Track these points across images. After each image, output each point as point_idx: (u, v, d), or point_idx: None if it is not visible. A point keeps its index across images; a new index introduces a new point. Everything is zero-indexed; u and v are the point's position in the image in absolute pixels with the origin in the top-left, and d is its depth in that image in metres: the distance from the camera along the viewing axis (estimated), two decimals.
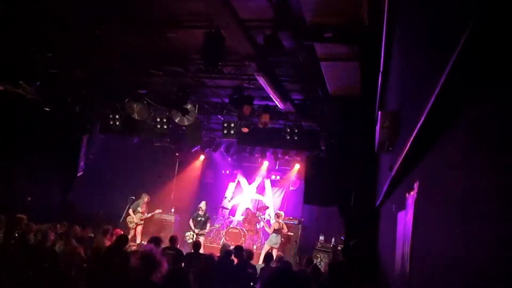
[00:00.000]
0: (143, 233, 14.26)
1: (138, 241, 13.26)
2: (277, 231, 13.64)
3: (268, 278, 2.23)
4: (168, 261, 7.21)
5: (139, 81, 10.52)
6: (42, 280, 6.16)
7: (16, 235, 8.25)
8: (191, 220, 14.41)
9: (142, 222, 14.20)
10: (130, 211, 14.15)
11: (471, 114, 1.48)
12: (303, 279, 2.21)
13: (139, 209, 14.17)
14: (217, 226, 15.29)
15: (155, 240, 8.74)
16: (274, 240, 13.51)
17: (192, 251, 9.22)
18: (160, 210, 14.82)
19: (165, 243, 9.16)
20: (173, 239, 9.05)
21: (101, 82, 11.04)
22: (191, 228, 14.22)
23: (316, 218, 14.50)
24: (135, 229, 14.04)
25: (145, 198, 14.46)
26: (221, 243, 14.21)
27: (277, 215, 14.28)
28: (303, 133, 12.18)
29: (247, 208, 16.62)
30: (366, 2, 5.24)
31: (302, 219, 15.03)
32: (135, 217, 14.05)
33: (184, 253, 8.85)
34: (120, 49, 8.75)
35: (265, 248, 13.31)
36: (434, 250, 2.05)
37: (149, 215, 14.40)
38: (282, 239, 13.80)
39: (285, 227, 13.94)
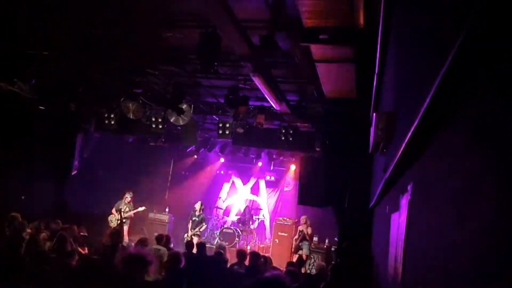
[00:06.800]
0: (132, 233, 14.11)
1: (126, 241, 13.16)
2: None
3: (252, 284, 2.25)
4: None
5: (134, 80, 10.50)
6: (33, 279, 6.13)
7: (8, 233, 8.21)
8: (189, 222, 14.45)
9: (125, 221, 13.90)
10: (113, 210, 13.97)
11: (466, 115, 1.49)
12: (281, 283, 2.23)
13: (120, 207, 13.96)
14: (204, 225, 15.04)
15: (142, 242, 8.74)
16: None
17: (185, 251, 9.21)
18: (144, 208, 14.40)
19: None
20: (158, 239, 9.02)
21: (96, 80, 11.01)
22: (187, 230, 14.28)
23: (310, 218, 14.47)
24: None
25: (128, 196, 14.08)
26: (215, 243, 14.22)
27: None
28: (298, 134, 12.20)
29: (246, 206, 16.62)
30: (362, 4, 5.26)
31: (296, 220, 15.03)
32: (116, 216, 13.83)
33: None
34: (116, 48, 8.73)
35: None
36: (427, 252, 2.06)
37: (132, 212, 13.99)
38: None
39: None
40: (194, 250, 9.34)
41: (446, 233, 1.68)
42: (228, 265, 8.53)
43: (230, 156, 17.66)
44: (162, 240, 8.96)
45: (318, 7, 5.58)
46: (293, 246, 13.55)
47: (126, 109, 11.42)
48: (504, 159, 1.09)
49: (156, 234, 14.42)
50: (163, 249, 8.41)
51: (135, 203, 14.31)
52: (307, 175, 11.40)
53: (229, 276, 7.81)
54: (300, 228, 13.70)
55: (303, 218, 13.81)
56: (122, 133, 14.21)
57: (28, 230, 9.04)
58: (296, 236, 13.64)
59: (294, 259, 12.94)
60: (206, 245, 9.45)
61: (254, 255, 8.36)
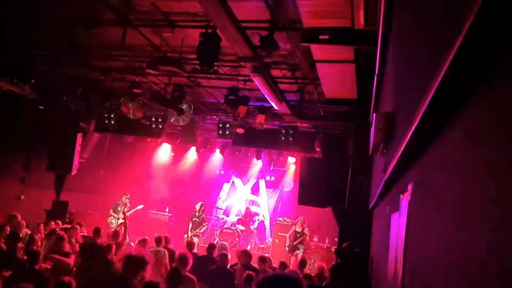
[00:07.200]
0: (132, 233, 14.07)
1: (127, 241, 13.14)
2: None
3: (263, 282, 2.23)
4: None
5: (135, 80, 10.50)
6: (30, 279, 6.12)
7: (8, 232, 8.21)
8: (190, 223, 14.44)
9: (124, 221, 13.86)
10: (111, 211, 13.99)
11: (466, 116, 1.49)
12: (297, 284, 2.21)
13: (119, 209, 13.97)
14: (205, 226, 14.99)
15: (142, 242, 8.74)
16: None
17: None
18: (142, 206, 14.43)
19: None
20: (158, 240, 9.01)
21: (96, 80, 11.01)
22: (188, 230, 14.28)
23: (310, 219, 14.47)
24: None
25: (124, 198, 14.09)
26: (214, 243, 14.19)
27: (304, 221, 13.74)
28: (298, 134, 12.20)
29: (247, 207, 16.61)
30: (362, 4, 5.26)
31: (296, 220, 15.02)
32: (115, 218, 13.84)
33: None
34: (116, 47, 8.73)
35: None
36: (427, 253, 2.06)
37: (130, 213, 13.95)
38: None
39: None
40: (195, 250, 9.34)
41: (447, 233, 1.67)
42: (228, 265, 8.52)
43: (230, 156, 17.66)
44: (161, 241, 8.93)
45: (318, 7, 5.58)
46: (288, 246, 13.47)
47: (126, 109, 11.42)
48: (505, 160, 1.09)
49: (155, 234, 14.48)
50: (162, 250, 8.40)
51: (135, 203, 14.32)
52: (307, 175, 11.39)
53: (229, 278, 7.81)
54: (297, 228, 13.59)
55: (300, 219, 13.74)
56: (122, 133, 14.23)
57: (26, 230, 9.05)
58: (291, 236, 13.54)
59: (291, 260, 12.90)
60: (205, 246, 9.45)
61: (223, 256, 8.33)
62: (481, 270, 1.21)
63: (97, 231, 8.71)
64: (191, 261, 6.99)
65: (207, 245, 9.85)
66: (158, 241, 8.90)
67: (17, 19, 8.16)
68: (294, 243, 13.29)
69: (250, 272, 7.33)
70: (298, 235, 13.37)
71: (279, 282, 2.24)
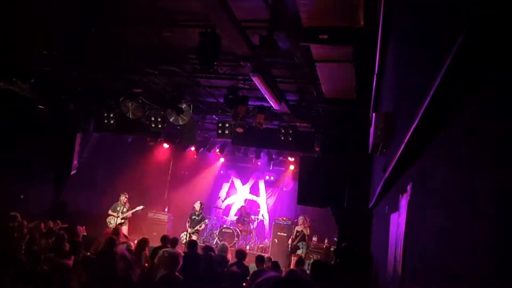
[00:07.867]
0: (131, 232, 14.10)
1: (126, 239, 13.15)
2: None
3: (272, 281, 2.22)
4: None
5: (134, 80, 10.50)
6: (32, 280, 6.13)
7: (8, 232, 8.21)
8: (188, 221, 14.42)
9: (123, 221, 13.91)
10: (110, 211, 14.01)
11: (466, 116, 1.50)
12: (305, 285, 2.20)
13: (118, 208, 13.99)
14: (206, 221, 14.99)
15: (143, 242, 8.72)
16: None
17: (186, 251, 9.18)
18: (142, 207, 14.44)
19: (157, 243, 9.15)
20: (174, 241, 8.96)
21: (96, 80, 11.00)
22: (186, 229, 14.25)
23: (310, 219, 14.47)
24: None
25: (123, 198, 14.16)
26: (214, 243, 14.21)
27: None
28: (297, 134, 12.19)
29: (242, 206, 16.60)
30: (362, 4, 5.26)
31: (296, 220, 15.02)
32: (114, 217, 13.86)
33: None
34: (115, 47, 8.73)
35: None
36: (427, 252, 2.07)
37: (130, 213, 14.06)
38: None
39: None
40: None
41: (446, 233, 1.68)
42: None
43: (230, 156, 17.66)
44: (177, 243, 8.83)
45: (318, 7, 5.57)
46: (290, 246, 13.47)
47: (125, 109, 11.41)
48: (503, 160, 1.10)
49: (154, 233, 14.48)
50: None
51: (134, 203, 14.32)
52: (306, 175, 11.40)
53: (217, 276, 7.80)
54: (298, 228, 13.63)
55: (300, 219, 13.75)
56: (122, 133, 14.21)
57: (26, 230, 9.05)
58: (293, 236, 13.56)
59: (292, 260, 12.90)
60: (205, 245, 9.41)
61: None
62: (480, 269, 1.22)
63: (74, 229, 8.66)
64: (181, 261, 6.99)
65: (203, 245, 9.84)
66: (174, 242, 8.84)
67: (17, 19, 8.15)
68: (295, 242, 13.32)
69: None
70: (297, 233, 13.43)
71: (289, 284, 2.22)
